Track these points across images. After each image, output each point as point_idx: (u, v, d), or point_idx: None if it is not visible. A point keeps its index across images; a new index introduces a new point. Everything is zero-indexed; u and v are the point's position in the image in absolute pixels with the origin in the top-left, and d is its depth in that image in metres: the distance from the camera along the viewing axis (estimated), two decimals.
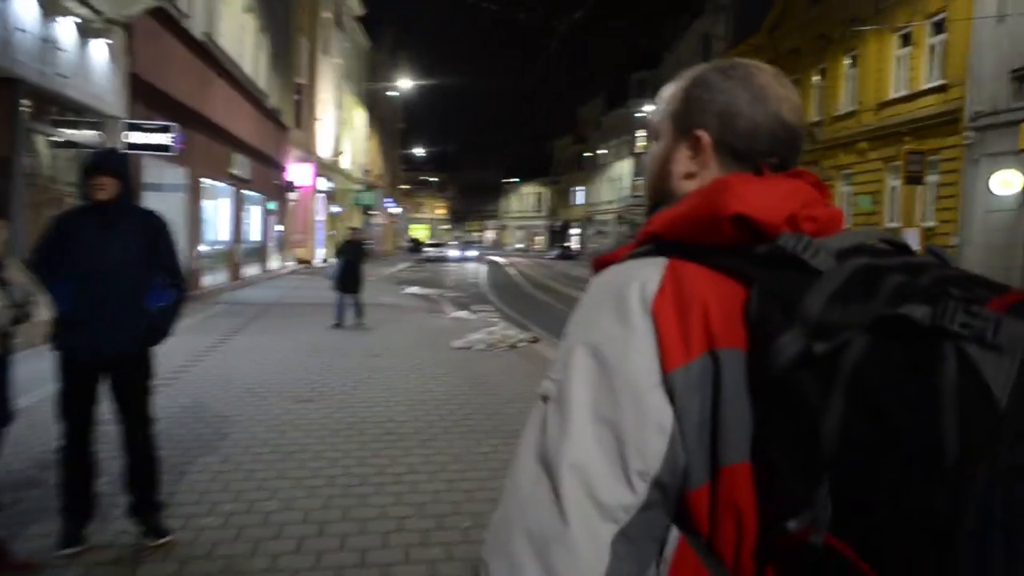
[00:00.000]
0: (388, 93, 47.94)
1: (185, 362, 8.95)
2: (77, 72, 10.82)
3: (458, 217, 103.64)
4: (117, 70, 12.14)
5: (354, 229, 14.99)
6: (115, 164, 3.79)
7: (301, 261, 29.94)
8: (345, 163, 40.59)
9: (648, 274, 0.85)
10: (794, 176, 0.94)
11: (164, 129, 12.64)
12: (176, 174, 15.91)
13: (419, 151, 74.59)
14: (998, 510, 0.62)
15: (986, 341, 0.66)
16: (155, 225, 3.91)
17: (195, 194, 17.04)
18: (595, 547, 0.78)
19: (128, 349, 3.76)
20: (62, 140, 11.42)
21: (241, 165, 20.88)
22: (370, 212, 45.09)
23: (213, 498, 4.56)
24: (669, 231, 0.89)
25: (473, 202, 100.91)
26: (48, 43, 9.99)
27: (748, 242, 0.83)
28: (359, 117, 45.95)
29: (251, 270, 22.93)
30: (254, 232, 23.99)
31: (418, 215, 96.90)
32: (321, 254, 34.16)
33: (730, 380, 0.78)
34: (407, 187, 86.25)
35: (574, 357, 0.84)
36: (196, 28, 16.21)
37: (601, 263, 0.94)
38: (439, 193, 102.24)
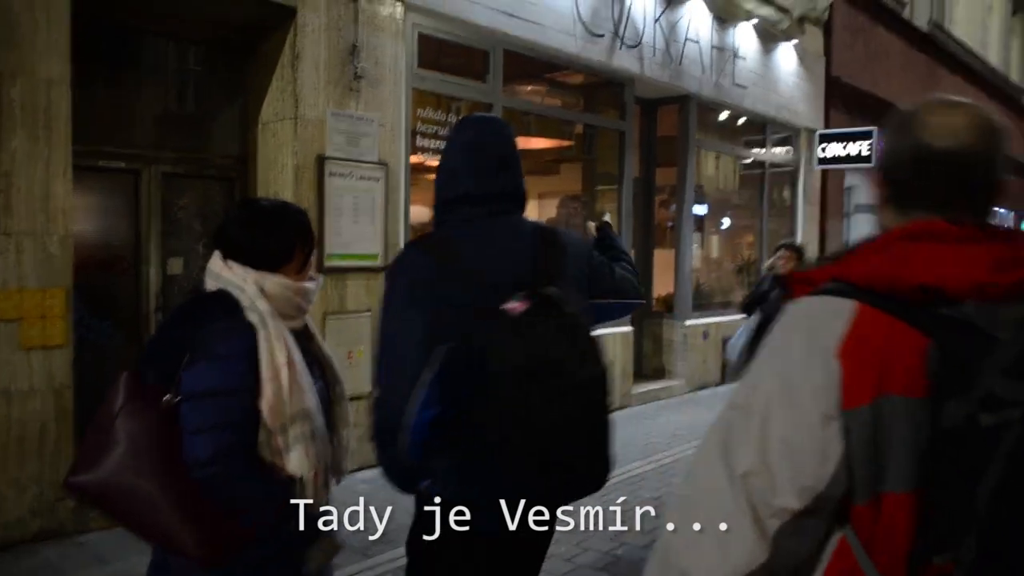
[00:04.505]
0: None
1: None
2: (758, 81, 9.70)
3: None
4: (808, 74, 10.67)
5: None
6: (499, 139, 1.95)
7: None
8: None
9: (839, 316, 1.00)
10: (990, 237, 1.02)
11: (863, 136, 10.66)
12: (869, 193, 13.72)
13: None
14: None
15: None
16: (573, 253, 1.95)
17: None
18: (761, 535, 0.97)
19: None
20: (748, 160, 10.48)
21: None
22: None
23: None
24: (864, 281, 1.01)
25: None
26: (723, 52, 9.09)
27: (933, 301, 0.96)
28: None
29: None
30: None
31: None
32: None
33: (899, 423, 0.93)
34: None
35: (765, 378, 1.03)
36: (919, 17, 13.77)
37: (800, 279, 1.10)
38: None
